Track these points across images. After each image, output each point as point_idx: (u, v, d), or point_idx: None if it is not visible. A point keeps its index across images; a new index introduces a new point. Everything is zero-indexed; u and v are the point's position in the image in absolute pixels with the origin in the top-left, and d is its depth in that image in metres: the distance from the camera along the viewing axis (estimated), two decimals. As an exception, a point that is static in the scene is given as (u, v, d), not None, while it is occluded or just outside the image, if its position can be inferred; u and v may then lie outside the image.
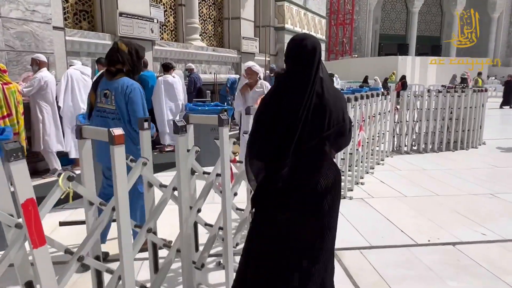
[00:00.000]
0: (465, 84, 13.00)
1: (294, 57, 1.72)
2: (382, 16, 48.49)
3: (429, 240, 3.21)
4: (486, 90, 7.62)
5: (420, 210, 3.95)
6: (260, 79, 4.60)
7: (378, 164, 5.96)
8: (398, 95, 7.32)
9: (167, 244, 2.24)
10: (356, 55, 39.28)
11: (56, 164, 5.14)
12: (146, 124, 2.05)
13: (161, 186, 2.16)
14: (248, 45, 12.55)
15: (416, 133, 7.09)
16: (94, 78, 3.65)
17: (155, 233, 2.18)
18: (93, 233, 1.78)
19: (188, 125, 2.23)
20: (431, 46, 48.79)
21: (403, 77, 16.98)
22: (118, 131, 1.59)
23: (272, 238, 1.72)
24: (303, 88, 1.65)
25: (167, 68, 6.76)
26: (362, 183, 4.92)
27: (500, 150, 7.24)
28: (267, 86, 4.49)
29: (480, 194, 4.50)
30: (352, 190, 4.62)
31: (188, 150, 2.17)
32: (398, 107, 6.96)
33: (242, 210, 2.66)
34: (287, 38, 14.48)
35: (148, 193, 2.16)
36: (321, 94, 1.66)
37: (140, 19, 8.25)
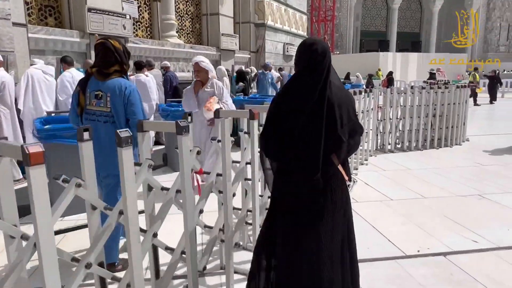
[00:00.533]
0: (434, 80, 13.01)
1: (304, 61, 1.77)
2: (363, 12, 48.76)
3: (418, 251, 2.96)
4: (468, 86, 7.50)
5: (408, 215, 3.71)
6: (212, 78, 4.03)
7: (362, 164, 5.73)
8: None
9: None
10: (338, 52, 39.38)
11: (16, 172, 4.70)
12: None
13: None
14: (228, 42, 12.19)
15: (399, 131, 6.90)
16: (80, 78, 3.27)
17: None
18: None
19: (141, 133, 2.00)
20: (411, 42, 49.41)
21: (390, 73, 16.88)
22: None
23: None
24: (315, 93, 1.71)
25: (139, 66, 6.36)
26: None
27: (484, 146, 7.13)
28: (219, 86, 3.97)
29: (468, 196, 4.31)
30: (335, 194, 4.34)
31: (138, 164, 1.88)
32: (381, 104, 6.75)
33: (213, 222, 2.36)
34: (268, 34, 14.19)
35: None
36: (331, 97, 1.71)
37: (111, 15, 7.80)
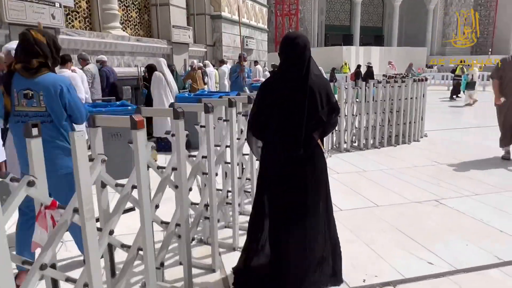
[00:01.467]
0: (395, 74, 12.73)
1: (288, 53, 2.06)
2: (327, 7, 48.91)
3: (364, 281, 2.46)
4: (426, 80, 7.21)
5: (356, 230, 3.22)
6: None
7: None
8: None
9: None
10: (303, 46, 39.09)
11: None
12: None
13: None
14: (180, 35, 11.40)
15: (356, 128, 6.49)
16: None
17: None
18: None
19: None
20: (374, 36, 50.20)
21: (358, 67, 16.25)
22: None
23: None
24: (300, 81, 2.03)
25: (63, 61, 5.52)
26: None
27: (441, 142, 6.87)
28: None
29: (425, 202, 3.90)
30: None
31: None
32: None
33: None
34: (225, 27, 13.50)
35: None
36: (312, 84, 2.03)
37: (36, 2, 6.84)
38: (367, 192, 4.18)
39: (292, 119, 2.01)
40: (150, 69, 7.12)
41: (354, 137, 6.55)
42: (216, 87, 11.13)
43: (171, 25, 11.02)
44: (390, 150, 6.36)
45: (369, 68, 14.48)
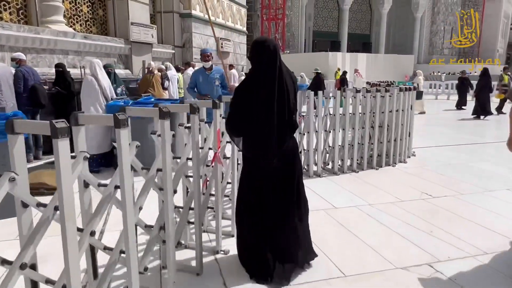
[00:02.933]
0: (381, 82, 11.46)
1: (260, 57, 2.30)
2: (315, 13, 48.28)
3: None
4: (414, 89, 6.05)
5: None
6: None
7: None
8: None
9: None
10: (288, 51, 38.26)
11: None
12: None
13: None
14: (141, 33, 10.10)
15: (329, 146, 5.28)
16: None
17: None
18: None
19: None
20: (362, 43, 49.71)
21: (344, 73, 15.17)
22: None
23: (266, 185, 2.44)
24: (273, 82, 2.26)
25: None
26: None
27: (432, 164, 5.71)
28: None
29: (413, 267, 2.67)
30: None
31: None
32: (304, 113, 5.07)
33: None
34: (195, 27, 12.27)
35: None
36: (283, 83, 2.28)
37: None
38: (333, 249, 2.94)
39: (266, 123, 2.27)
40: (58, 70, 5.86)
41: (327, 156, 5.34)
42: (179, 93, 9.85)
43: (130, 22, 9.72)
44: (371, 174, 5.15)
45: (318, 75, 12.81)
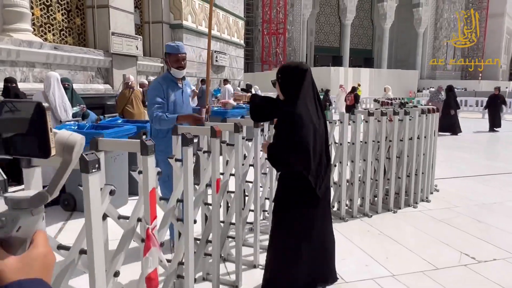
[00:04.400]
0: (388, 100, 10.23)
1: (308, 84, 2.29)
2: (317, 28, 47.88)
3: None
4: (437, 110, 4.96)
5: None
6: None
7: (255, 266, 2.88)
8: (349, 110, 4.46)
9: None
10: (289, 66, 37.40)
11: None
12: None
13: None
14: (123, 44, 9.12)
15: (334, 183, 4.17)
16: None
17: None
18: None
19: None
20: (364, 59, 49.10)
21: (354, 89, 13.67)
22: None
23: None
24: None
25: None
26: None
27: (461, 202, 4.58)
28: None
29: None
30: None
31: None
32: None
33: None
34: (187, 38, 11.32)
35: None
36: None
37: None
38: None
39: (325, 154, 2.40)
40: (6, 86, 4.81)
41: (332, 196, 4.23)
42: (165, 110, 8.80)
43: (110, 32, 8.75)
44: (388, 220, 4.03)
45: (248, 86, 11.67)
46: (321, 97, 15.01)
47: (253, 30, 43.07)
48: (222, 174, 2.55)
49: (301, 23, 43.28)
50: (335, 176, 4.16)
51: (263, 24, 40.48)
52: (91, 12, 8.86)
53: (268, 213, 3.51)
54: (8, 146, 0.49)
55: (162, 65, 10.98)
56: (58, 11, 8.31)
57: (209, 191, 2.50)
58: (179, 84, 3.25)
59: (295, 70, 2.27)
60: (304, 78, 2.23)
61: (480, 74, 47.00)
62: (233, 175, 2.65)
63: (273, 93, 17.88)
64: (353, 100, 12.53)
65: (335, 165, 4.03)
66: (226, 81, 12.31)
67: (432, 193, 4.97)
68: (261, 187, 3.20)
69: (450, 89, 11.13)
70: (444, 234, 3.62)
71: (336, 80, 28.69)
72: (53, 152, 0.50)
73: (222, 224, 2.66)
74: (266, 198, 3.49)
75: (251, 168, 2.94)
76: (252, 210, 2.99)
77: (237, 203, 2.64)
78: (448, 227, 3.82)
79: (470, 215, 4.17)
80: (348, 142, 4.04)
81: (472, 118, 16.85)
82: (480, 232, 3.66)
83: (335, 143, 4.07)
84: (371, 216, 4.10)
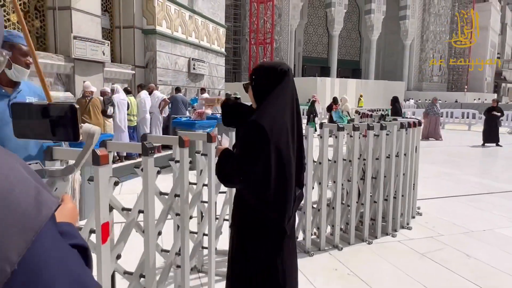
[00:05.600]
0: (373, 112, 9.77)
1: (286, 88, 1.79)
2: (305, 39, 47.91)
3: None
4: (420, 124, 4.39)
5: None
6: None
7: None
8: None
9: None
10: (276, 76, 37.10)
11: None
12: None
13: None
14: (87, 49, 8.44)
15: (298, 209, 3.54)
16: None
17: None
18: None
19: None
20: (351, 70, 49.22)
21: (335, 100, 12.15)
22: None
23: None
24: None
25: None
26: None
27: (447, 231, 3.99)
28: None
29: None
30: None
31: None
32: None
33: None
34: (161, 45, 10.70)
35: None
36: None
37: None
38: None
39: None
40: None
41: (295, 224, 3.60)
42: (131, 120, 8.14)
43: (72, 35, 8.08)
44: (362, 254, 3.39)
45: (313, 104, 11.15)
46: (307, 108, 14.67)
47: (240, 39, 42.75)
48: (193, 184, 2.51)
49: (288, 33, 43.19)
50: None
51: (251, 33, 40.21)
52: (51, 14, 8.18)
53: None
54: (53, 133, 0.73)
55: (133, 72, 10.32)
56: (13, 12, 7.61)
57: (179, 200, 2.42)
58: (3, 91, 1.96)
59: (272, 71, 1.69)
60: (283, 82, 1.67)
61: (466, 86, 47.44)
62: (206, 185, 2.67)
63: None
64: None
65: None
66: (203, 90, 11.70)
67: (414, 217, 4.38)
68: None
69: (396, 100, 10.83)
70: (427, 274, 3.00)
71: (323, 90, 28.38)
72: (80, 137, 0.74)
73: (195, 234, 2.73)
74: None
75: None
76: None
77: (209, 213, 2.61)
78: (432, 264, 3.20)
79: (457, 246, 3.57)
80: (314, 161, 3.43)
81: (459, 130, 16.53)
82: (470, 271, 3.05)
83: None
84: (342, 248, 3.46)
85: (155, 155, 2.01)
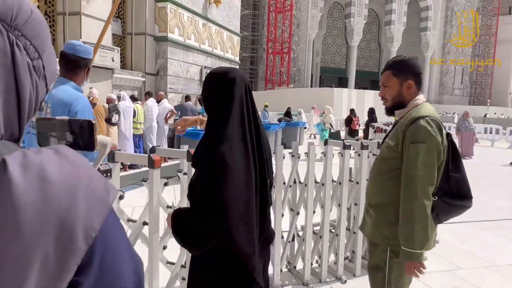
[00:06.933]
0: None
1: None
2: (323, 49, 47.65)
3: None
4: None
5: None
6: None
7: None
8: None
9: None
10: (292, 86, 36.90)
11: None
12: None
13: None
14: (98, 56, 8.35)
15: (297, 236, 3.17)
16: None
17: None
18: None
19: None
20: (370, 81, 48.53)
21: (372, 111, 11.03)
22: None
23: None
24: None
25: None
26: None
27: (467, 264, 3.54)
28: None
29: None
30: None
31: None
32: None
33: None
34: (173, 52, 10.57)
35: None
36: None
37: None
38: None
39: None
40: None
41: (295, 251, 3.23)
42: (137, 128, 7.95)
43: (81, 41, 7.99)
44: (367, 289, 3.01)
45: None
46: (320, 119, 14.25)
47: (258, 49, 42.80)
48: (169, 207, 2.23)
49: (306, 43, 43.00)
50: (298, 226, 3.17)
51: (268, 43, 40.21)
52: (61, 19, 8.14)
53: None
54: (73, 144, 0.81)
55: (143, 79, 10.20)
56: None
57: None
58: None
59: (219, 80, 1.37)
60: (232, 92, 1.34)
61: (489, 100, 46.02)
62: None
63: (274, 113, 16.86)
64: (358, 123, 11.25)
65: (298, 213, 3.04)
66: (187, 98, 11.41)
67: (434, 245, 3.93)
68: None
69: (372, 112, 10.53)
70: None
71: (340, 101, 27.90)
72: (95, 148, 0.83)
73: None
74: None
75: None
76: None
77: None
78: (449, 305, 2.78)
79: (478, 284, 3.12)
80: (317, 182, 3.07)
81: (483, 146, 15.77)
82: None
83: (300, 183, 3.09)
84: (346, 281, 3.07)
85: (162, 165, 2.01)
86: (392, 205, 1.72)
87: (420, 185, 1.59)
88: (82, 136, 0.84)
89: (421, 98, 1.77)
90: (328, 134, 9.69)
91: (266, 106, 12.70)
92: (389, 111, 1.83)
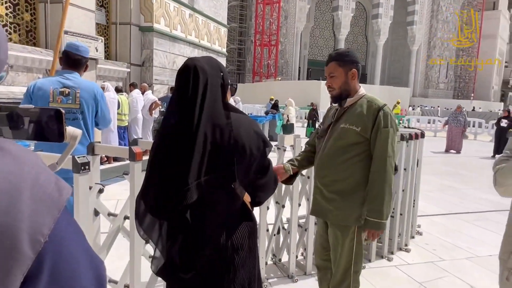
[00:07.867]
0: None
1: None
2: (311, 42, 47.61)
3: None
4: (422, 135, 3.99)
5: None
6: None
7: None
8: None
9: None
10: (280, 78, 36.83)
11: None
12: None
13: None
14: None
15: (283, 228, 3.17)
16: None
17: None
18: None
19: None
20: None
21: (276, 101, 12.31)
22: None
23: None
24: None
25: None
26: None
27: (448, 255, 3.61)
28: None
29: None
30: None
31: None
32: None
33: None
34: (158, 43, 10.38)
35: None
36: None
37: None
38: None
39: None
40: None
41: (280, 244, 3.23)
42: (122, 120, 7.81)
43: (63, 30, 7.77)
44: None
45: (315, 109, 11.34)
46: (308, 112, 14.31)
47: (245, 40, 42.51)
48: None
49: (294, 35, 42.86)
50: (284, 219, 3.17)
51: (256, 35, 39.97)
52: (43, 7, 7.90)
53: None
54: (38, 134, 0.75)
55: (128, 70, 10.01)
56: (1, 4, 7.33)
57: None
58: None
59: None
60: (176, 81, 1.33)
61: (473, 94, 46.86)
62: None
63: (260, 105, 16.85)
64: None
65: (283, 206, 3.04)
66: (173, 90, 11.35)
67: (413, 237, 4.00)
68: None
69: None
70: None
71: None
72: (65, 139, 0.78)
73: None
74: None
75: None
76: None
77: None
78: (431, 294, 2.82)
79: (460, 275, 3.18)
80: (303, 175, 3.06)
81: (466, 140, 16.06)
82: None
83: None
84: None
85: (145, 157, 1.90)
86: (361, 187, 1.86)
87: (389, 163, 1.80)
88: (50, 126, 0.77)
89: (362, 89, 1.99)
90: (281, 126, 9.88)
91: (271, 99, 13.56)
92: (336, 100, 1.99)
